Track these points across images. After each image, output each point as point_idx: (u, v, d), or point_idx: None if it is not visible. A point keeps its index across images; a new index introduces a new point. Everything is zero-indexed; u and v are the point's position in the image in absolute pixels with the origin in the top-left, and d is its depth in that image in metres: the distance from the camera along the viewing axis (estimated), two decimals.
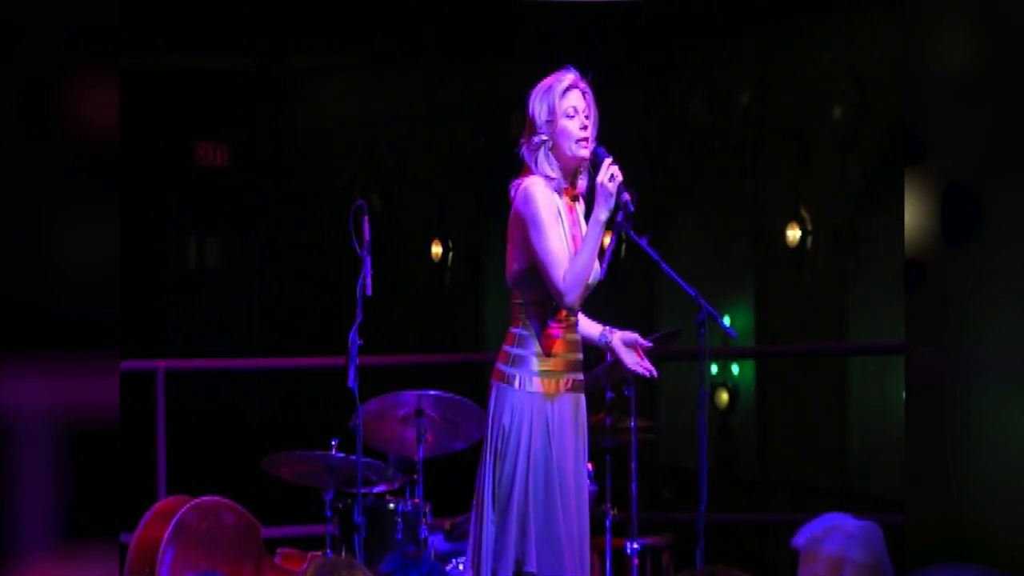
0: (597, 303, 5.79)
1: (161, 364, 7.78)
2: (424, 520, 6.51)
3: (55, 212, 4.14)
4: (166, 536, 6.49)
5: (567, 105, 5.43)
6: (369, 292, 5.83)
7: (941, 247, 4.19)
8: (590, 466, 6.58)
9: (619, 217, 5.40)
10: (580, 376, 5.52)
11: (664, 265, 5.53)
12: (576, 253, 5.37)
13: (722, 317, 5.91)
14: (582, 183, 5.51)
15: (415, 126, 14.29)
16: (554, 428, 5.41)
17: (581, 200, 5.55)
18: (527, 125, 5.47)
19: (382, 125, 14.59)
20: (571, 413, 5.47)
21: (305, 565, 6.60)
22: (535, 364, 5.44)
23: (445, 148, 13.80)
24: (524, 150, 5.48)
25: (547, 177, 5.43)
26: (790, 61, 11.36)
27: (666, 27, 11.86)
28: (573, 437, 5.48)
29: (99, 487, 4.12)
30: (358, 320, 5.84)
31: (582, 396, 5.53)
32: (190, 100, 14.51)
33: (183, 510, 6.58)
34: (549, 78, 5.48)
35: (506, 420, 5.41)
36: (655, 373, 5.64)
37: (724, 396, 12.08)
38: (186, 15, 11.88)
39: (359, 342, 5.85)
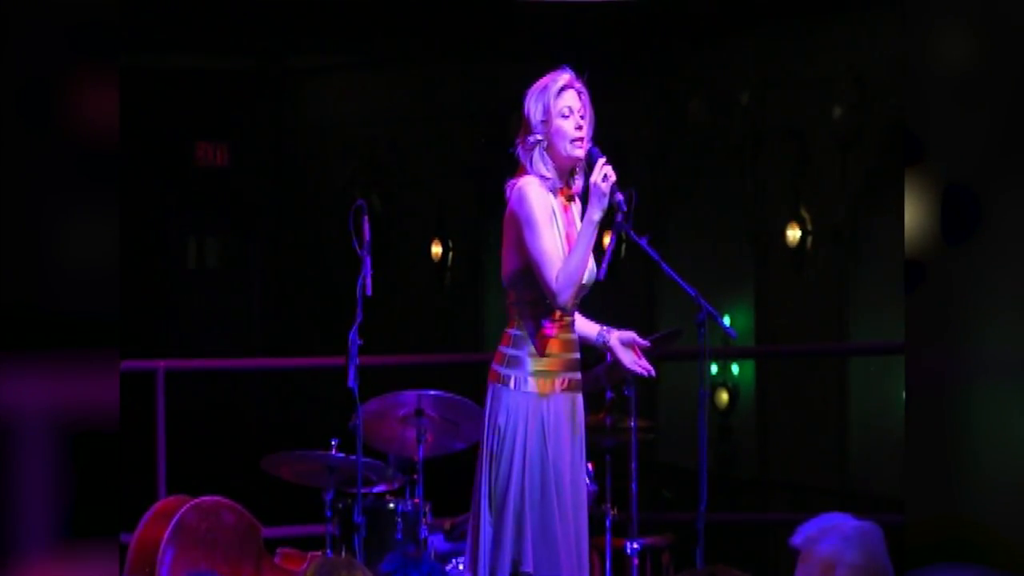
0: (597, 303, 5.79)
1: (161, 364, 7.78)
2: (424, 520, 6.51)
3: (55, 212, 4.14)
4: (166, 536, 6.49)
5: (562, 105, 5.43)
6: (369, 292, 5.83)
7: (941, 247, 4.19)
8: (590, 466, 6.58)
9: (619, 217, 5.40)
10: (577, 375, 5.52)
11: (664, 265, 5.53)
12: (569, 253, 5.36)
13: (722, 317, 5.91)
14: (578, 183, 5.50)
15: (415, 126, 14.29)
16: (550, 428, 5.41)
17: (578, 200, 5.55)
18: (522, 125, 5.47)
19: (382, 125, 14.59)
20: (567, 413, 5.47)
21: (305, 565, 6.60)
22: (530, 364, 5.43)
23: (445, 148, 13.80)
24: (519, 150, 5.48)
25: (542, 177, 5.43)
26: (790, 61, 11.35)
27: (666, 27, 11.86)
28: (569, 437, 5.47)
29: (99, 487, 4.12)
30: (358, 320, 5.84)
31: (579, 395, 5.53)
32: (190, 100, 14.51)
33: (183, 510, 6.58)
34: (545, 78, 5.48)
35: (502, 421, 5.41)
36: (653, 372, 5.63)
37: (724, 396, 12.09)
38: (186, 15, 11.88)
39: (359, 342, 5.85)
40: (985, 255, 4.17)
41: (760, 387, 11.82)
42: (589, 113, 5.46)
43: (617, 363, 5.67)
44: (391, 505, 6.58)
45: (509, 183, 5.48)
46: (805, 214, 11.31)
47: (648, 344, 5.64)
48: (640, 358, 5.60)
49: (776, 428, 11.61)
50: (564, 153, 5.43)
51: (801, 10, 11.07)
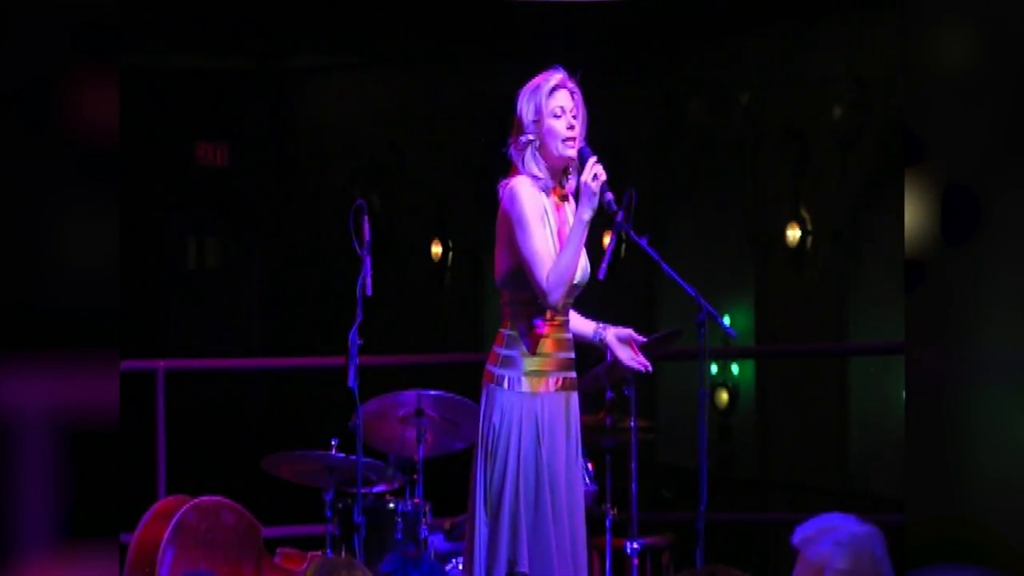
0: (597, 303, 5.79)
1: (161, 364, 7.78)
2: (424, 520, 6.52)
3: (55, 212, 4.14)
4: (166, 536, 6.49)
5: (554, 105, 5.42)
6: (369, 292, 5.83)
7: (941, 247, 4.19)
8: (590, 466, 6.58)
9: (619, 217, 5.39)
10: (571, 375, 5.51)
11: (664, 265, 5.53)
12: (559, 252, 5.36)
13: (722, 317, 5.91)
14: (571, 183, 5.49)
15: (415, 126, 14.29)
16: (544, 428, 5.40)
17: (571, 199, 5.54)
18: (515, 125, 5.47)
19: (382, 125, 14.59)
20: (562, 412, 5.46)
21: (305, 565, 6.58)
22: (524, 364, 5.43)
23: (445, 148, 13.80)
24: (511, 150, 5.47)
25: (534, 177, 5.43)
26: (790, 61, 11.35)
27: (666, 27, 11.86)
28: (564, 436, 5.46)
29: (99, 487, 4.12)
30: (358, 320, 5.84)
31: (574, 395, 5.52)
32: (190, 100, 14.51)
33: (183, 510, 6.58)
34: (537, 78, 5.48)
35: (496, 421, 5.40)
36: (650, 368, 5.62)
37: (724, 396, 12.09)
38: (186, 15, 11.88)
39: (359, 342, 5.85)
40: (985, 255, 4.17)
41: (760, 387, 11.82)
42: (581, 113, 5.45)
43: (616, 362, 5.67)
44: (391, 505, 6.58)
45: (501, 183, 5.48)
46: (805, 214, 11.31)
47: (645, 340, 5.64)
48: (637, 354, 5.60)
49: (776, 428, 11.61)
50: (556, 153, 5.42)
51: (801, 10, 11.07)
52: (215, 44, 13.63)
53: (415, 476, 6.56)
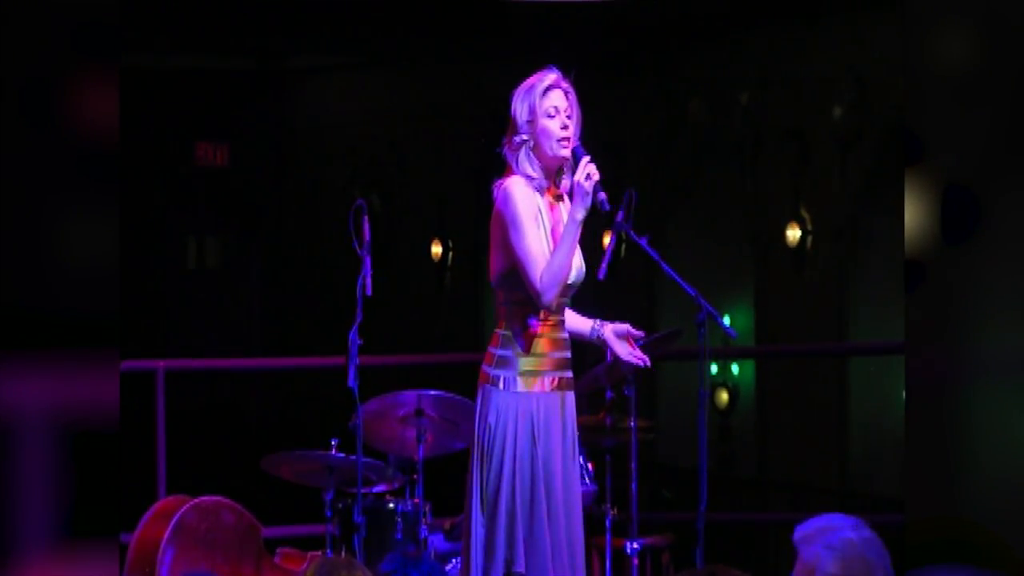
0: (598, 302, 5.79)
1: (161, 364, 7.77)
2: (424, 520, 6.51)
3: (55, 212, 4.14)
4: (166, 536, 6.49)
5: (548, 104, 5.42)
6: (369, 292, 5.83)
7: (941, 247, 4.19)
8: (591, 466, 6.58)
9: (619, 217, 5.39)
10: (567, 374, 5.50)
11: (664, 265, 5.53)
12: (553, 253, 5.35)
13: (722, 317, 5.90)
14: (566, 182, 5.48)
15: (415, 126, 14.30)
16: (540, 428, 5.40)
17: (566, 199, 5.53)
18: (509, 125, 5.47)
19: (382, 125, 14.60)
20: (558, 412, 5.45)
21: (305, 565, 6.58)
22: (519, 364, 5.42)
23: (445, 148, 13.81)
24: (505, 150, 5.47)
25: (528, 177, 5.42)
26: (790, 61, 11.36)
27: (666, 27, 11.87)
28: (560, 436, 5.45)
29: (99, 487, 4.12)
30: (358, 320, 5.84)
31: (570, 394, 5.50)
32: (190, 100, 14.52)
33: (183, 510, 6.58)
34: (531, 78, 5.47)
35: (492, 421, 5.40)
36: (648, 363, 5.62)
37: (724, 396, 12.10)
38: (186, 15, 11.88)
39: (359, 342, 5.85)
40: (985, 255, 4.17)
41: (760, 387, 11.83)
42: (576, 113, 5.44)
43: (616, 361, 5.66)
44: (391, 505, 6.58)
45: (496, 183, 5.48)
46: (805, 214, 11.32)
47: (643, 335, 5.63)
48: (635, 349, 5.59)
49: (776, 428, 11.61)
50: (550, 152, 5.42)
51: (801, 10, 11.08)
52: (215, 44, 13.64)
53: (415, 476, 6.56)
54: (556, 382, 5.46)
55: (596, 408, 6.99)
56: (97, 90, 4.16)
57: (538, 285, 5.32)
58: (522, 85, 5.47)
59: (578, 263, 5.42)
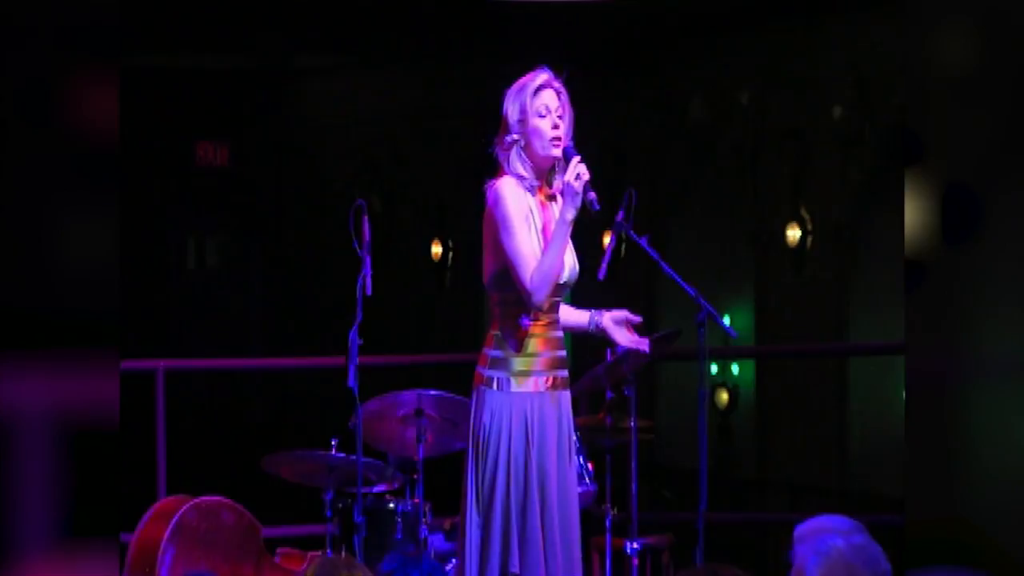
0: (598, 303, 5.79)
1: (161, 364, 7.77)
2: (424, 520, 6.51)
3: (55, 212, 4.14)
4: (166, 536, 6.49)
5: (539, 104, 5.41)
6: (369, 292, 5.83)
7: (941, 247, 4.19)
8: (590, 466, 6.58)
9: (619, 217, 5.39)
10: (562, 374, 5.49)
11: (664, 265, 5.53)
12: (543, 253, 5.35)
13: (722, 317, 5.91)
14: (557, 182, 5.48)
15: (415, 126, 14.29)
16: (534, 427, 5.39)
17: (558, 199, 5.52)
18: (500, 125, 5.47)
19: (382, 125, 14.60)
20: (553, 411, 5.45)
21: (305, 565, 6.60)
22: (513, 365, 5.42)
23: (445, 148, 13.80)
24: (497, 150, 5.47)
25: (519, 177, 5.42)
26: (790, 61, 11.36)
27: (666, 27, 11.87)
28: (556, 435, 5.44)
29: (99, 487, 4.12)
30: (358, 320, 5.84)
31: (566, 393, 5.50)
32: (190, 100, 14.52)
33: (183, 510, 6.58)
34: (523, 78, 5.47)
35: (487, 422, 5.39)
36: (647, 348, 5.61)
37: (724, 396, 12.09)
38: (187, 15, 11.88)
39: (359, 342, 5.85)
40: (985, 255, 4.17)
41: (760, 387, 11.83)
42: (567, 113, 5.44)
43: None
44: (391, 505, 6.58)
45: (487, 184, 5.48)
46: (805, 214, 11.31)
47: (640, 320, 5.63)
48: (633, 334, 5.59)
49: (776, 428, 11.61)
50: (541, 153, 5.41)
51: (801, 10, 11.07)
52: (215, 44, 13.63)
53: (415, 476, 6.56)
54: (550, 381, 5.45)
55: (596, 408, 6.98)
56: (97, 90, 4.16)
57: (529, 285, 5.32)
58: (513, 85, 5.48)
59: (571, 262, 5.42)
